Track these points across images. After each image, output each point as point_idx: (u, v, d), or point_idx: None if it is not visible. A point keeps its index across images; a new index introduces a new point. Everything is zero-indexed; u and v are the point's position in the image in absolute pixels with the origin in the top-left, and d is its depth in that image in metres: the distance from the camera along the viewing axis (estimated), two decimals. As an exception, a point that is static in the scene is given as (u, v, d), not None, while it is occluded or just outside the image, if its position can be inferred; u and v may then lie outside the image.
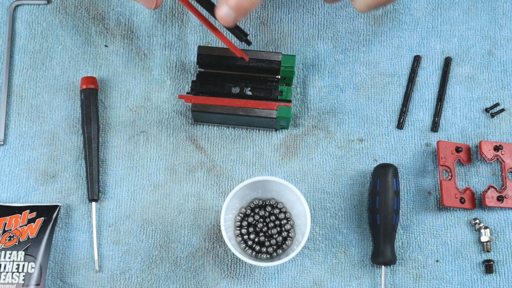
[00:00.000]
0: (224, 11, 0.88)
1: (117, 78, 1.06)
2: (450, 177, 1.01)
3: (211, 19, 0.99)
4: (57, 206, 1.00)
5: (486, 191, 1.01)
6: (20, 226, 0.98)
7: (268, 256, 0.99)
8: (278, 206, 1.00)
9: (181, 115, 1.05)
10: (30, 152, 1.03)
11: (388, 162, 1.03)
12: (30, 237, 0.98)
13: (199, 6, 0.96)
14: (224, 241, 0.99)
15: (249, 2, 0.87)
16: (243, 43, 0.96)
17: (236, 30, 0.94)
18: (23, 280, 0.96)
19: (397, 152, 1.04)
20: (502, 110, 1.05)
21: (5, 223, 0.99)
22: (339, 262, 1.01)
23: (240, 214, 1.00)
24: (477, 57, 1.07)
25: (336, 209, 1.03)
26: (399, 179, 1.03)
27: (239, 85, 1.02)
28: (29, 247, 0.97)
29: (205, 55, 1.01)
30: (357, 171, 1.04)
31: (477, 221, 1.01)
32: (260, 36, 1.07)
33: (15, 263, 0.96)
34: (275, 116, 1.00)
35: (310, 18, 1.08)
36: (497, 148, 1.02)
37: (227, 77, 1.02)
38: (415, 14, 1.08)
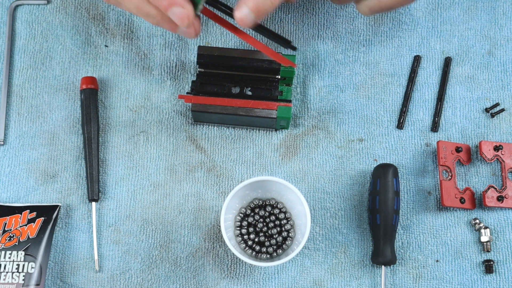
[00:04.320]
0: (244, 12, 0.86)
1: (117, 78, 1.06)
2: (450, 177, 1.01)
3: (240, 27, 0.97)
4: (57, 206, 1.00)
5: (486, 191, 1.01)
6: (20, 226, 0.98)
7: (268, 256, 0.99)
8: (278, 206, 1.00)
9: (181, 115, 1.05)
10: (30, 152, 1.03)
11: (388, 162, 1.03)
12: (30, 237, 0.98)
13: (221, 14, 0.95)
14: (224, 241, 0.99)
15: (269, 3, 0.85)
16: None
17: (279, 39, 0.93)
18: (23, 280, 0.96)
19: (397, 152, 1.04)
20: (502, 110, 1.05)
21: (5, 223, 0.99)
22: (339, 262, 1.01)
23: (240, 214, 1.00)
24: (477, 57, 1.07)
25: (336, 209, 1.03)
26: (399, 179, 1.03)
27: (239, 85, 1.02)
28: (29, 247, 0.97)
29: (205, 55, 1.01)
30: (357, 171, 1.04)
31: (477, 221, 1.01)
32: (260, 36, 1.07)
33: (15, 263, 0.97)
34: (275, 116, 1.00)
35: (310, 18, 1.08)
36: (497, 148, 1.02)
37: (227, 77, 1.02)
38: (415, 14, 1.08)
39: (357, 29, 1.08)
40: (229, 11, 0.92)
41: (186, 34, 0.89)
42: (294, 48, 0.94)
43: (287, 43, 0.93)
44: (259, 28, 0.93)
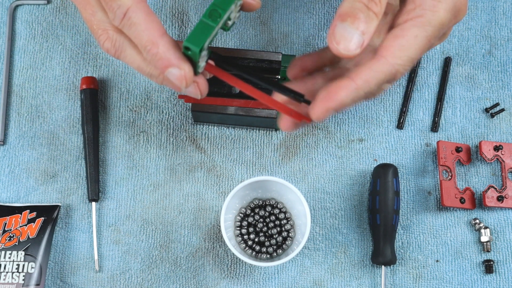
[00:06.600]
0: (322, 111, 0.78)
1: (117, 78, 1.06)
2: (450, 177, 1.01)
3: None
4: (57, 206, 1.00)
5: (486, 191, 1.01)
6: (20, 226, 0.98)
7: (268, 256, 0.99)
8: (278, 206, 1.00)
9: (181, 115, 1.05)
10: (30, 152, 1.03)
11: (388, 162, 1.03)
12: (30, 237, 0.98)
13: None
14: (224, 241, 0.99)
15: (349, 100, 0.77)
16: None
17: (291, 93, 0.82)
18: (23, 280, 0.96)
19: (397, 152, 1.04)
20: (502, 110, 1.05)
21: (5, 223, 0.99)
22: (339, 262, 1.01)
23: (240, 214, 1.00)
24: (477, 57, 1.07)
25: (336, 209, 1.03)
26: (399, 179, 1.03)
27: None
28: (29, 247, 0.97)
29: (205, 55, 1.01)
30: (357, 171, 1.04)
31: (477, 221, 1.01)
32: (260, 36, 1.07)
33: (15, 263, 0.97)
34: (275, 116, 1.00)
35: (310, 18, 1.08)
36: (497, 148, 1.02)
37: (227, 77, 1.02)
38: (415, 14, 1.08)
39: (357, 29, 1.08)
40: (237, 72, 0.82)
41: (191, 94, 0.83)
42: (308, 102, 0.82)
43: (300, 97, 0.82)
44: (275, 85, 0.83)
